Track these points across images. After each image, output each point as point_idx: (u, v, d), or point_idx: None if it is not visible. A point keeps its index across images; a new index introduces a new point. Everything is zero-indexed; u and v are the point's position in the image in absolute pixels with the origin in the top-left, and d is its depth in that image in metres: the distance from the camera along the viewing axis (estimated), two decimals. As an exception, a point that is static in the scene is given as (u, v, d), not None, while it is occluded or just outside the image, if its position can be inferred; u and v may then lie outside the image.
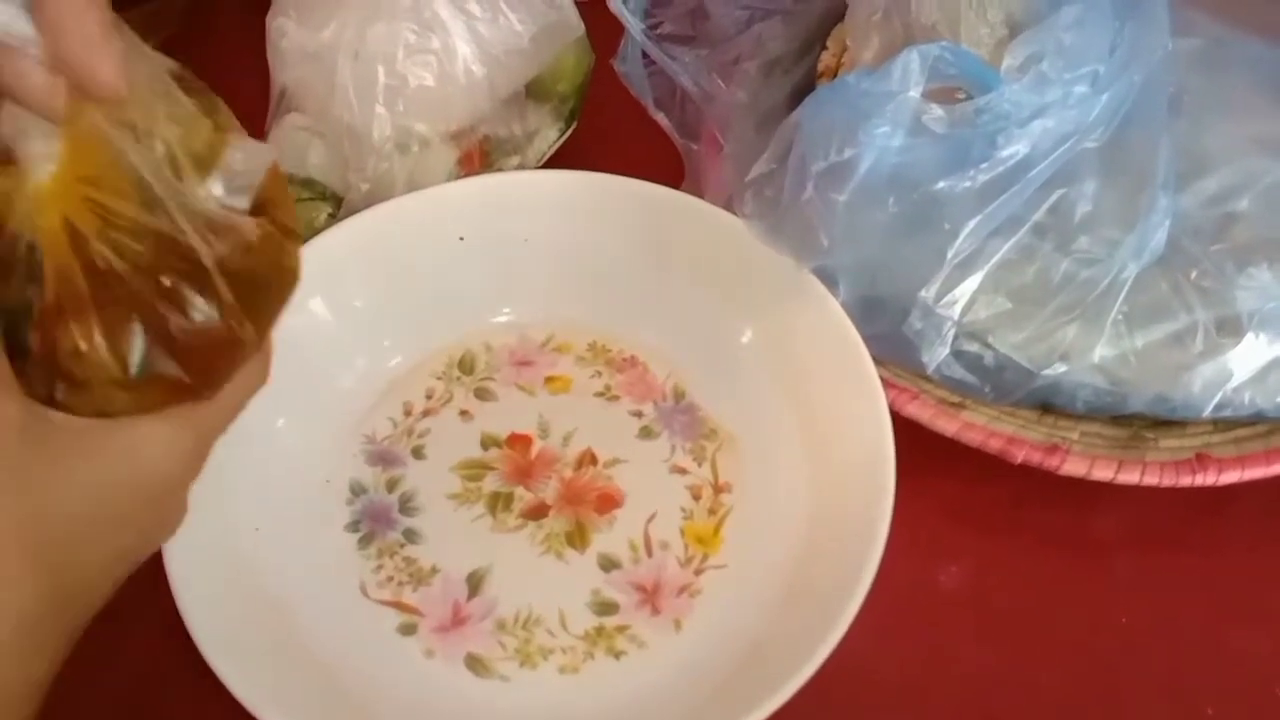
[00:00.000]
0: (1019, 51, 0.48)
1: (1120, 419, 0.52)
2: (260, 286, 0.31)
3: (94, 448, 0.30)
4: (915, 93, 0.47)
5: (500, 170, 0.59)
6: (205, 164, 0.30)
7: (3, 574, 0.29)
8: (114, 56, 0.29)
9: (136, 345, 0.30)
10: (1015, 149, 0.47)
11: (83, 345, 0.29)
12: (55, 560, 0.30)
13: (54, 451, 0.30)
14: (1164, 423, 0.52)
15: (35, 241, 0.29)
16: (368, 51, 0.53)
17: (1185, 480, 0.50)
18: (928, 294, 0.48)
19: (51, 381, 0.30)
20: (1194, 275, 0.49)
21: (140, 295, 0.29)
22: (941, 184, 0.47)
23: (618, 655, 0.47)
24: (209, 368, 0.31)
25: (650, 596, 0.48)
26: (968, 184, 0.46)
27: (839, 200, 0.48)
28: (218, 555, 0.45)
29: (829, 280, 0.50)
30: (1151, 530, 0.53)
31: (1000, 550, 0.53)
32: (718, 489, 0.51)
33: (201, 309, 0.30)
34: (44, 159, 0.28)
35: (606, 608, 0.48)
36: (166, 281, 0.29)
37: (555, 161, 0.61)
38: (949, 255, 0.47)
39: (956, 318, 0.49)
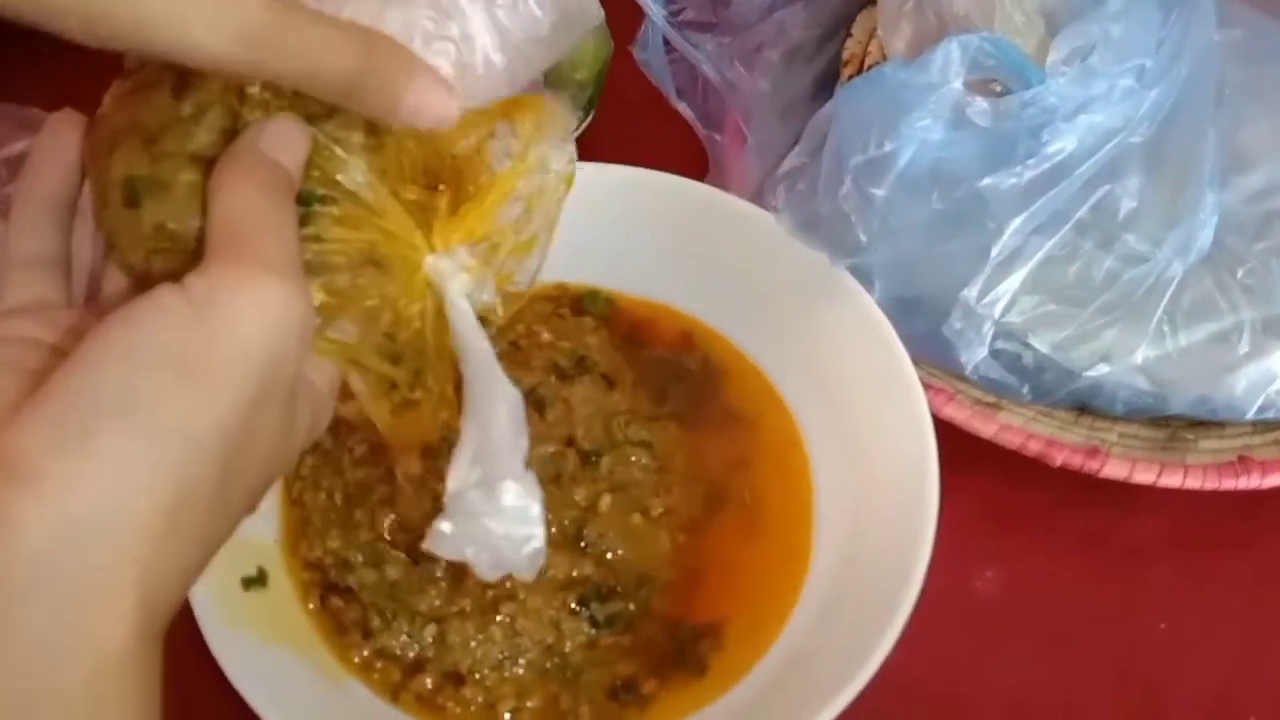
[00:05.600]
0: (1064, 44, 0.46)
1: (1158, 420, 0.51)
2: None
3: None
4: (957, 84, 0.46)
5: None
6: None
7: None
8: None
9: None
10: (1062, 144, 0.45)
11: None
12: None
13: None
14: (1202, 423, 0.51)
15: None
16: (384, 39, 0.51)
17: (1229, 483, 0.49)
18: (970, 293, 0.47)
19: None
20: (1240, 274, 0.48)
21: None
22: (987, 180, 0.45)
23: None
24: None
25: (685, 606, 0.47)
26: (1014, 180, 0.45)
27: (878, 195, 0.46)
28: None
29: (863, 278, 0.49)
30: (1189, 533, 0.52)
31: (1036, 554, 0.52)
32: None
33: None
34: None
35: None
36: None
37: (573, 152, 0.59)
38: (993, 254, 0.46)
39: (997, 317, 0.47)
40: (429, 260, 0.34)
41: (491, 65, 0.54)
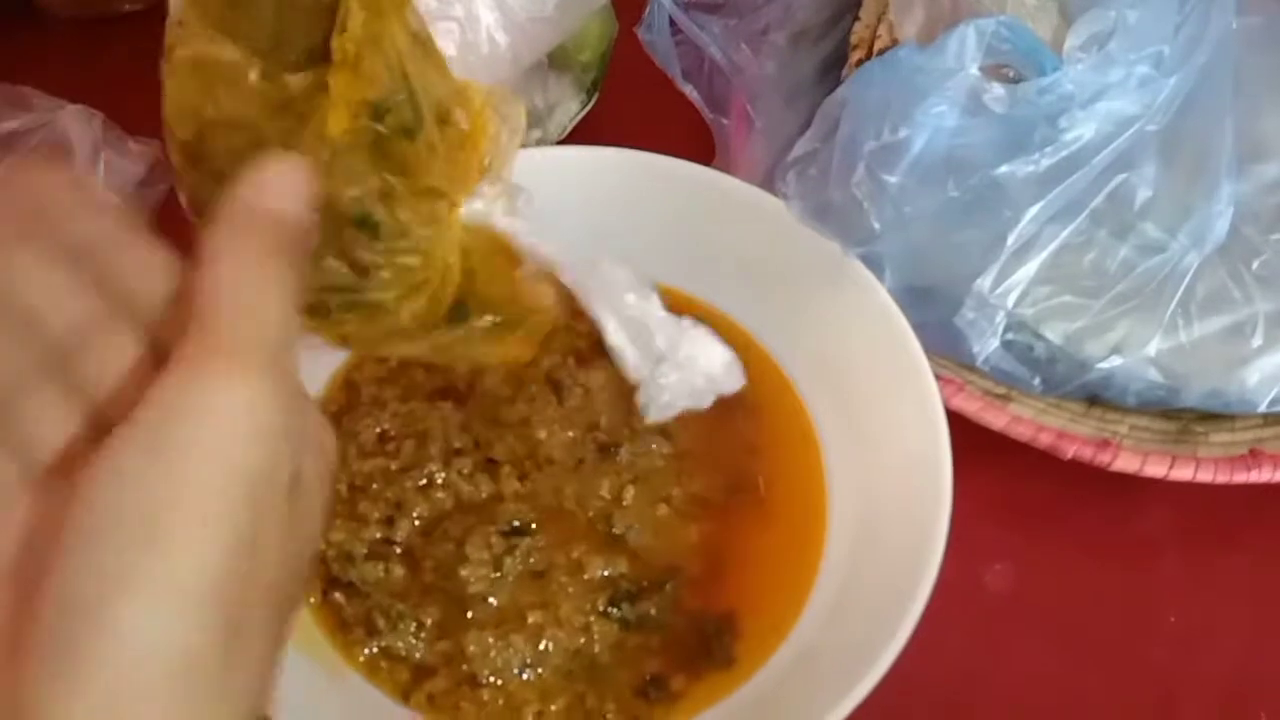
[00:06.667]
0: (1082, 30, 0.45)
1: (1169, 412, 0.51)
2: None
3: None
4: (973, 70, 0.45)
5: (521, 145, 0.55)
6: None
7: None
8: None
9: None
10: (1079, 132, 0.45)
11: None
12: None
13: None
14: (1214, 416, 0.51)
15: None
16: (386, 17, 0.49)
17: (1240, 477, 0.48)
18: (983, 283, 0.46)
19: None
20: (1255, 265, 0.48)
21: None
22: (1003, 168, 0.44)
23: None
24: None
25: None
26: (1031, 168, 0.44)
27: (891, 182, 0.46)
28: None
29: (874, 267, 0.48)
30: (1199, 526, 0.52)
31: (1046, 546, 0.51)
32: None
33: None
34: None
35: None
36: None
37: (576, 135, 0.58)
38: (1009, 242, 0.45)
39: (1010, 307, 0.47)
40: (463, 213, 0.32)
41: (495, 44, 0.53)
